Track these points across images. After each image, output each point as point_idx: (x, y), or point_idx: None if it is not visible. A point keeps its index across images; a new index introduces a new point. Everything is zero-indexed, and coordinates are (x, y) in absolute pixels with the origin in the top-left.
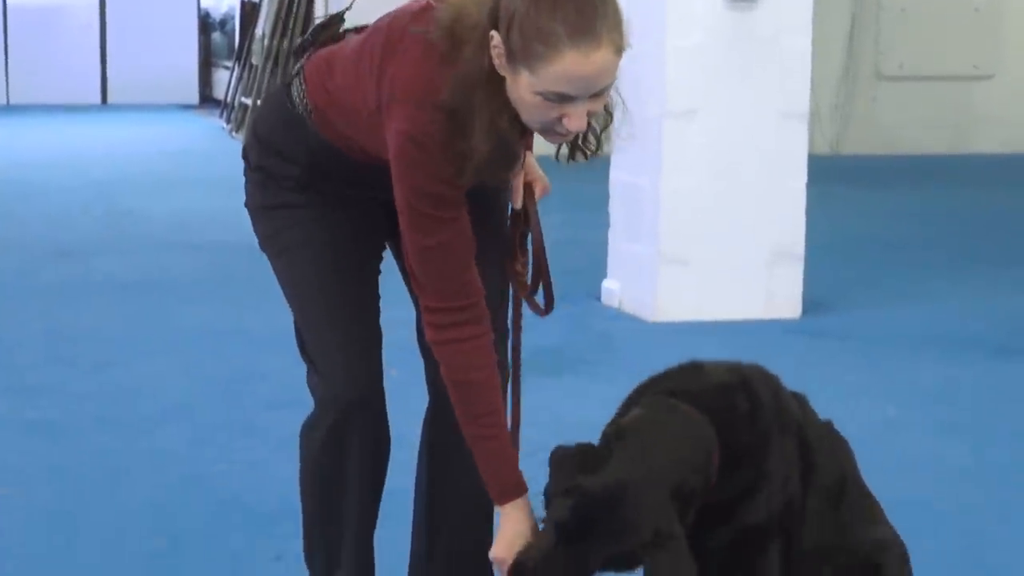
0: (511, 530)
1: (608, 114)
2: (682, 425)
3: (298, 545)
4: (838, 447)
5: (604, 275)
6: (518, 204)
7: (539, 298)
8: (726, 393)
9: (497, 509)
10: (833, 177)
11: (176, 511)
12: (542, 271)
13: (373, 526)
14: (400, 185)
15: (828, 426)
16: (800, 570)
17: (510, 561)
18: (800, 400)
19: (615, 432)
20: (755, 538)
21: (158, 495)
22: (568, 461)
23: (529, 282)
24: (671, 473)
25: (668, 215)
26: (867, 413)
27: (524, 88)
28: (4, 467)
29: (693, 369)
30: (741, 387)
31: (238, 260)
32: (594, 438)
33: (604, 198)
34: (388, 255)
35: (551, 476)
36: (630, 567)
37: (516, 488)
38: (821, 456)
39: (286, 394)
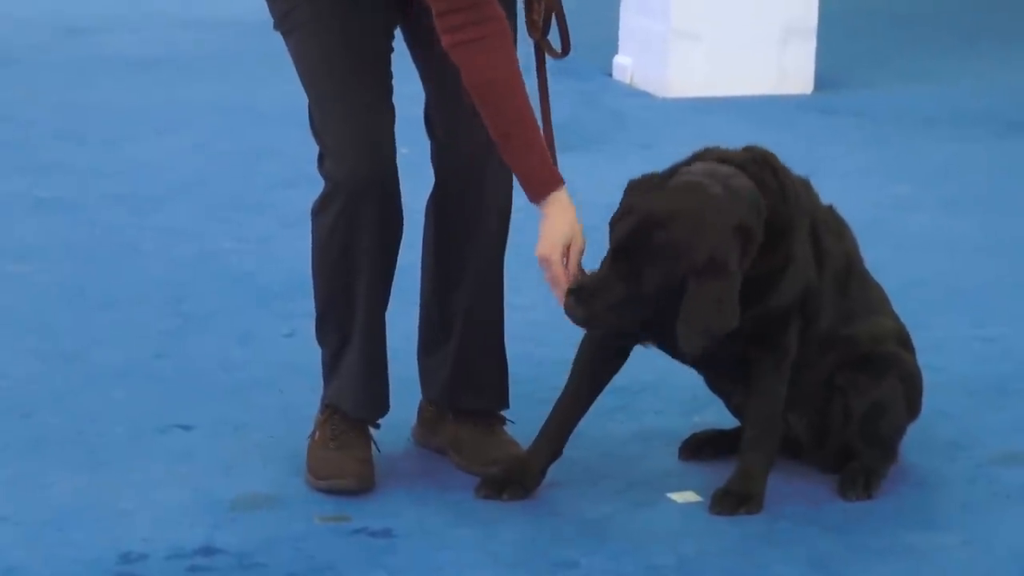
0: (551, 227)
1: None
2: (738, 176)
3: (310, 323)
4: (843, 231)
5: (616, 51)
6: None
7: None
8: (759, 168)
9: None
10: None
11: (187, 288)
12: (558, 15)
13: (385, 305)
14: None
15: (831, 210)
16: (810, 351)
17: (555, 258)
18: (806, 184)
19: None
20: (778, 317)
21: (170, 271)
22: (635, 187)
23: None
24: (733, 209)
25: None
26: (878, 190)
27: None
28: (20, 244)
29: (714, 151)
30: (766, 166)
31: (249, 37)
32: (606, 215)
33: None
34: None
35: (620, 203)
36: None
37: (552, 179)
38: (829, 240)
39: (297, 171)
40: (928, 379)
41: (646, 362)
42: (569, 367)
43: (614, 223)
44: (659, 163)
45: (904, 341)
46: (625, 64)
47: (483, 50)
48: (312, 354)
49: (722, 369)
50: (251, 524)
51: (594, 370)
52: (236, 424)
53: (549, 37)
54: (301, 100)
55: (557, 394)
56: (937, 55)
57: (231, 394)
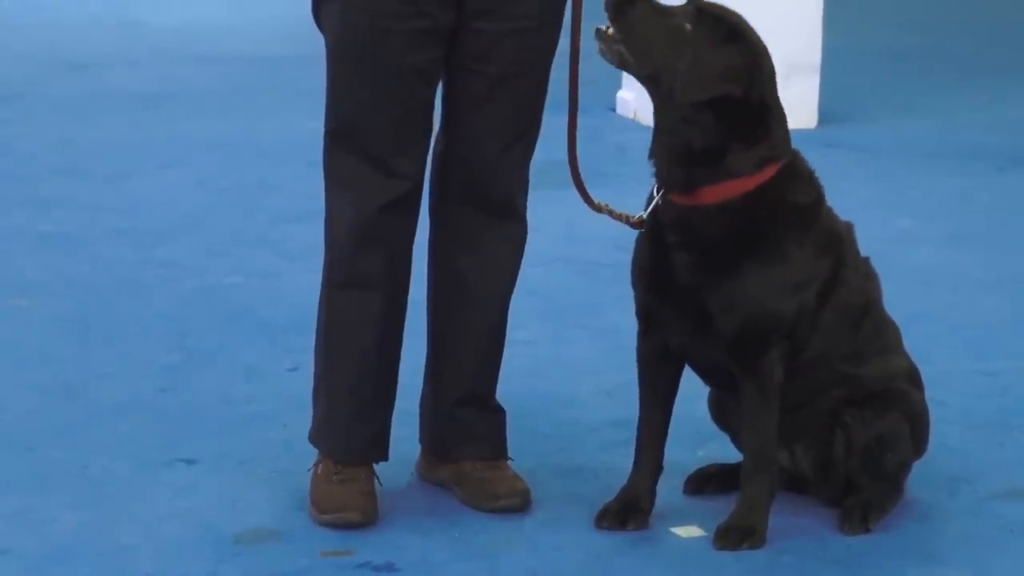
0: None
1: None
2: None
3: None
4: (871, 275)
5: (619, 86)
6: None
7: None
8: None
9: None
10: None
11: (190, 322)
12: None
13: (383, 354)
14: None
15: (867, 260)
16: (812, 381)
17: None
18: (848, 227)
19: None
20: (758, 329)
21: (172, 306)
22: None
23: None
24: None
25: None
26: (881, 224)
27: None
28: (21, 279)
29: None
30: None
31: (249, 72)
32: (608, 251)
33: None
34: None
35: None
36: None
37: None
38: (855, 278)
39: (299, 206)
40: (930, 413)
41: None
42: (571, 402)
43: None
44: None
45: (914, 379)
46: (628, 99)
47: None
48: None
49: (713, 378)
50: (255, 559)
51: (654, 375)
52: (240, 458)
53: None
54: (302, 135)
55: (560, 428)
56: (940, 90)
57: (234, 428)
